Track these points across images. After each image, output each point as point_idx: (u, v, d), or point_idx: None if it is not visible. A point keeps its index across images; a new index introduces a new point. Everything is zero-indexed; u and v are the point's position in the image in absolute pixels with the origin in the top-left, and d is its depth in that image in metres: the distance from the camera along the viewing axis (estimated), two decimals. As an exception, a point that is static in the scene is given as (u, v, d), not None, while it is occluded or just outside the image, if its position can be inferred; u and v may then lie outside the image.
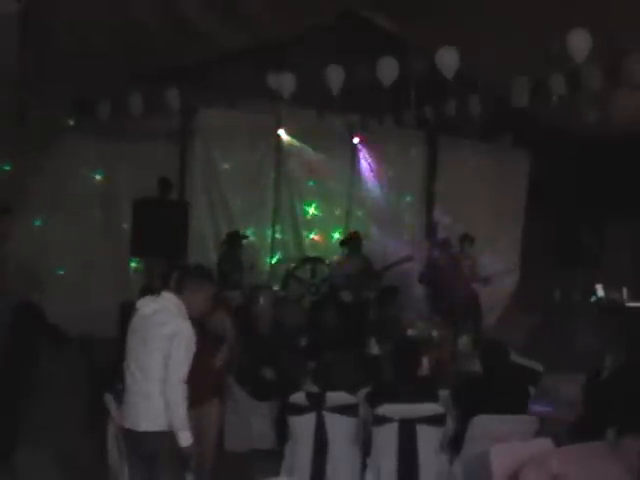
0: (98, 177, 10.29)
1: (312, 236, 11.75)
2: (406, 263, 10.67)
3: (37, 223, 9.76)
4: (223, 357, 5.50)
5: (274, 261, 11.44)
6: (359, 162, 11.91)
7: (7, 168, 9.10)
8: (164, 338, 4.37)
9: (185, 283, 4.64)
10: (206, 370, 5.00)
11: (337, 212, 11.91)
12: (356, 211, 11.98)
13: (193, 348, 4.44)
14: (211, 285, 4.81)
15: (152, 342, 4.40)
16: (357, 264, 9.99)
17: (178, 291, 4.59)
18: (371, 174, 12.01)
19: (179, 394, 4.34)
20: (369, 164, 11.96)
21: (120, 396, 4.85)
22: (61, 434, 6.50)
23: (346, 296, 9.66)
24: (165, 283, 4.70)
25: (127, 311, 6.18)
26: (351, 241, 10.34)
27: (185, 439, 4.34)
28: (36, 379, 6.61)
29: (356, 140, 11.71)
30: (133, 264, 10.26)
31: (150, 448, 4.44)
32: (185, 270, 4.83)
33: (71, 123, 9.16)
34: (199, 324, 4.76)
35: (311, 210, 11.74)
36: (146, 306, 4.58)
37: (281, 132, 11.26)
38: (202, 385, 4.73)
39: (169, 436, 4.38)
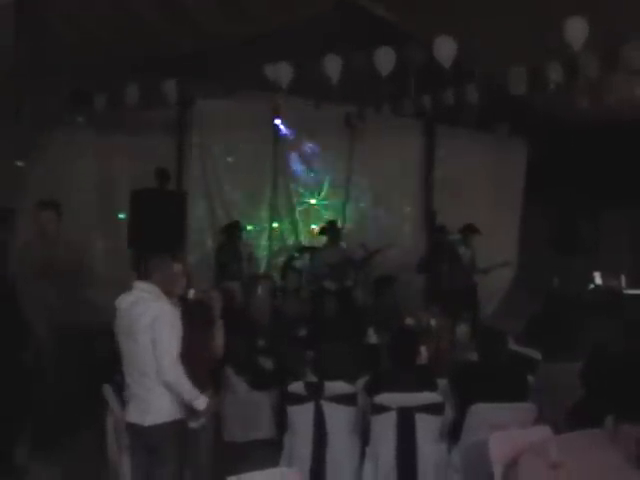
0: (95, 169, 10.26)
1: (310, 226, 11.75)
2: (387, 251, 10.66)
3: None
4: (219, 340, 5.33)
5: (272, 251, 11.44)
6: (357, 152, 11.90)
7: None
8: (147, 328, 4.39)
9: (149, 267, 4.64)
10: (199, 357, 4.92)
11: (335, 202, 11.91)
12: (354, 201, 11.98)
13: (179, 326, 4.45)
14: (172, 261, 4.79)
15: (138, 337, 4.42)
16: (336, 253, 10.00)
17: (147, 277, 4.59)
18: (369, 163, 12.00)
19: (176, 373, 4.37)
20: (366, 154, 11.94)
21: (119, 388, 4.87)
22: (61, 427, 6.51)
23: (329, 285, 9.67)
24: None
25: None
26: (329, 230, 10.33)
27: (201, 404, 4.44)
28: (36, 371, 6.62)
29: (354, 130, 11.69)
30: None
31: (155, 440, 4.47)
32: (147, 255, 4.81)
33: (68, 115, 9.13)
34: (185, 311, 4.77)
35: (309, 200, 11.73)
36: (122, 301, 4.60)
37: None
38: (197, 373, 4.73)
39: (173, 426, 4.41)
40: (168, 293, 4.66)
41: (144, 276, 4.62)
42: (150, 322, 4.39)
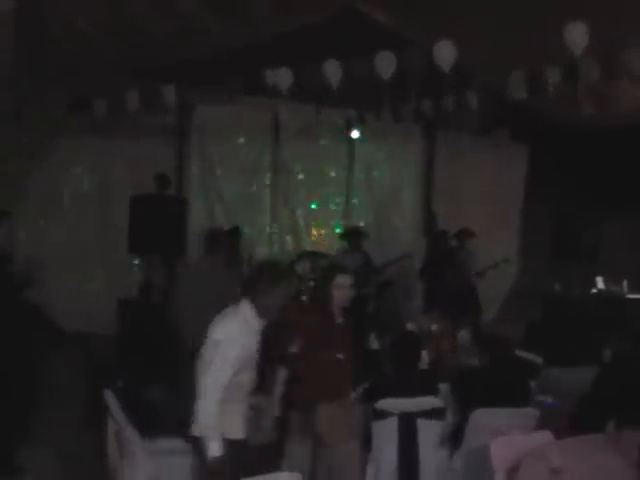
0: (95, 174, 10.27)
1: (310, 231, 11.73)
2: (405, 261, 10.68)
3: (34, 221, 9.74)
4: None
5: (272, 256, 11.41)
6: (357, 157, 11.89)
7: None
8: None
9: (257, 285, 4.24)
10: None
11: (335, 207, 11.90)
12: (354, 206, 11.98)
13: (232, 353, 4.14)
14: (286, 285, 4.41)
15: None
16: (357, 259, 9.98)
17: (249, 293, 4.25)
18: (369, 169, 11.99)
19: None
20: (367, 159, 11.94)
21: (121, 393, 4.84)
22: (60, 432, 6.49)
23: None
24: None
25: (125, 308, 6.11)
26: (351, 235, 10.32)
27: None
28: (34, 376, 6.61)
29: (354, 135, 11.68)
30: (136, 261, 10.23)
31: None
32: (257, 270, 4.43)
33: (68, 121, 9.13)
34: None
35: (309, 205, 11.72)
36: None
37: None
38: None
39: None
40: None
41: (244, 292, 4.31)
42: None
